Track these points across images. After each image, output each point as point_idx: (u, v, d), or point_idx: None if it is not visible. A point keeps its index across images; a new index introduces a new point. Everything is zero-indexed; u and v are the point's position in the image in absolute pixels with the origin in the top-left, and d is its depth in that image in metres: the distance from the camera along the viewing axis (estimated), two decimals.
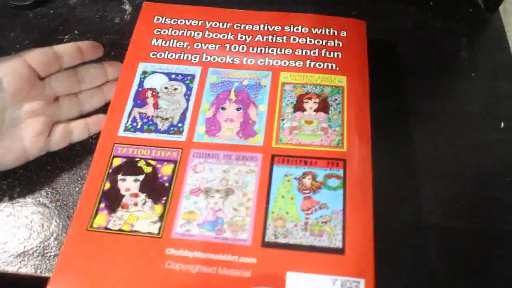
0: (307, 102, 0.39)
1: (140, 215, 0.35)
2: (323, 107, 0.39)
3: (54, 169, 0.41)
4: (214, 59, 0.42)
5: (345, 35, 0.43)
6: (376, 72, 0.41)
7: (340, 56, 0.42)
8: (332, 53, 0.42)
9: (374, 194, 0.35)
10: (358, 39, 0.43)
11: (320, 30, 0.43)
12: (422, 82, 0.46)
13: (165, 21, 0.44)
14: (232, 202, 0.35)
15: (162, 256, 0.33)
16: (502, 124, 0.43)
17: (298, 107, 0.39)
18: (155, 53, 0.42)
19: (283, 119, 0.39)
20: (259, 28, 0.44)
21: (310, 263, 0.32)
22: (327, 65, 0.41)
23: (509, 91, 0.45)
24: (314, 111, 0.39)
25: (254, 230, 0.34)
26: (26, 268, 0.37)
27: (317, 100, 0.39)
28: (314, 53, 0.42)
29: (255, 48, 0.43)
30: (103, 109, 0.42)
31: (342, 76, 0.41)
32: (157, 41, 0.43)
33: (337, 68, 0.41)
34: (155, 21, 0.44)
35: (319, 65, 0.41)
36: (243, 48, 0.43)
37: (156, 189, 0.36)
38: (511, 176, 0.41)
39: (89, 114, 0.42)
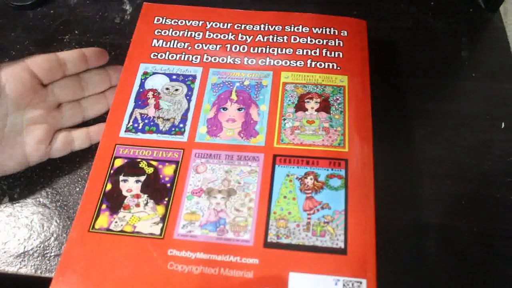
0: (308, 102, 0.39)
1: (142, 216, 0.35)
2: (325, 106, 0.39)
3: (54, 170, 0.41)
4: (215, 59, 0.42)
5: (345, 34, 0.43)
6: (377, 71, 0.41)
7: (341, 55, 0.42)
8: (333, 52, 0.42)
9: (375, 194, 0.35)
10: (359, 39, 0.43)
11: (320, 29, 0.43)
12: (422, 82, 0.46)
13: (165, 21, 0.44)
14: (234, 203, 0.35)
15: (164, 257, 0.33)
16: (502, 124, 0.43)
17: (300, 107, 0.39)
18: (156, 53, 0.42)
19: (284, 119, 0.38)
20: (260, 28, 0.44)
21: (312, 263, 0.32)
22: (328, 65, 0.41)
23: (509, 91, 0.45)
24: (316, 110, 0.39)
25: (256, 230, 0.34)
26: (26, 269, 0.37)
27: (318, 100, 0.39)
28: (315, 52, 0.42)
29: (256, 48, 0.42)
30: (106, 115, 0.42)
31: (343, 75, 0.41)
32: (157, 41, 0.43)
33: (338, 68, 0.41)
34: (155, 21, 0.44)
35: (320, 64, 0.41)
36: (244, 48, 0.42)
37: (158, 190, 0.36)
38: (511, 176, 0.41)
39: (91, 121, 0.42)
